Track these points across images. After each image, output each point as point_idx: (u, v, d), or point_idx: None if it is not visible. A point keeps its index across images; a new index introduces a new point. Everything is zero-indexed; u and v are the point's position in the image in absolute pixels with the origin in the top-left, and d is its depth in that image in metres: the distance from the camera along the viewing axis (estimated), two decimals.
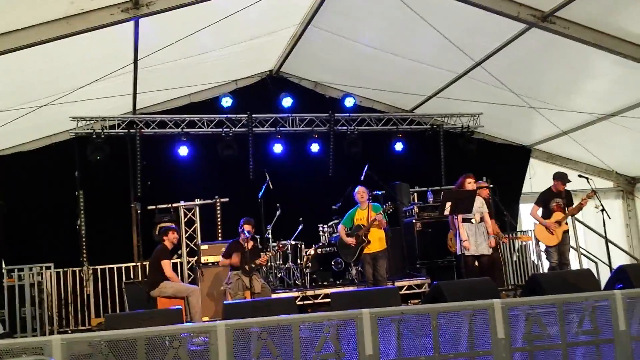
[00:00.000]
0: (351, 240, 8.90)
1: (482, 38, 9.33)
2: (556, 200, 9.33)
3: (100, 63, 8.75)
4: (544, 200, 9.46)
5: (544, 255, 11.66)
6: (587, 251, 11.54)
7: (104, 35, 7.73)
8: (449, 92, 11.30)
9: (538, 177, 13.21)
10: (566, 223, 9.30)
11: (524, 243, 11.73)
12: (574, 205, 9.32)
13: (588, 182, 9.04)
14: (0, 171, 10.56)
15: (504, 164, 12.77)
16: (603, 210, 8.92)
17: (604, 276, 9.06)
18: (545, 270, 11.44)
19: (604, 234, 9.02)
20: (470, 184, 8.60)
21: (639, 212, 13.08)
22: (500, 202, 9.99)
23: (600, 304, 5.80)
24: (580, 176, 9.29)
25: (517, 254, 11.90)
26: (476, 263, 8.46)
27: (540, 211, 9.43)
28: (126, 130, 10.81)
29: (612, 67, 9.29)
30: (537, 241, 11.63)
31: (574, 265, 11.41)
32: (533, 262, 11.74)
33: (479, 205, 8.58)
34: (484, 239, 8.54)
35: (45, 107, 8.83)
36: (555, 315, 5.67)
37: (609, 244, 9.14)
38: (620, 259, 9.85)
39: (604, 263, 10.24)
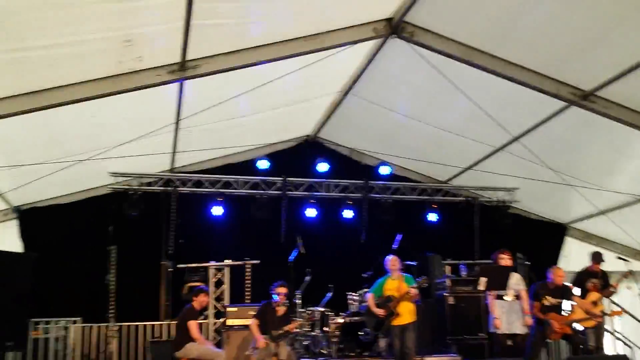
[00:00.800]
0: (380, 312, 8.63)
1: (521, 113, 9.33)
2: (592, 280, 9.19)
3: (142, 121, 8.95)
4: (580, 279, 9.32)
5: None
6: (622, 335, 11.12)
7: (148, 95, 7.93)
8: (485, 165, 11.24)
9: (573, 255, 12.91)
10: (602, 304, 9.09)
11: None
12: (608, 288, 9.18)
13: (626, 265, 8.83)
14: (35, 222, 10.70)
15: (539, 240, 12.53)
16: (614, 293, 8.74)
17: None
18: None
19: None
20: (503, 259, 8.43)
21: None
22: (536, 280, 9.74)
23: None
24: (619, 258, 9.11)
25: None
26: (509, 342, 8.18)
27: (576, 291, 9.22)
28: (163, 188, 10.94)
29: None
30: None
31: (609, 349, 11.01)
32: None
33: (515, 282, 8.37)
34: (517, 317, 8.30)
35: (85, 162, 9.01)
36: None
37: None
38: None
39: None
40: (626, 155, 9.95)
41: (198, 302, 8.81)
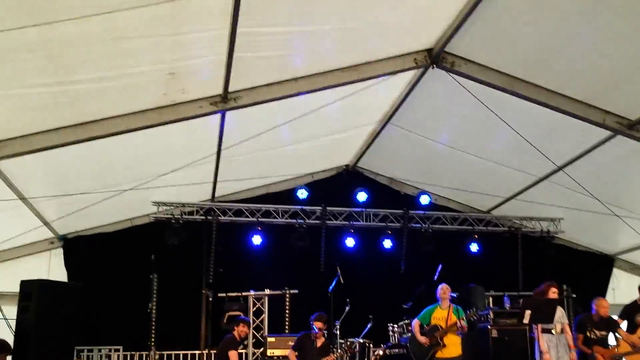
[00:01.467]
0: (425, 340, 8.49)
1: (565, 142, 9.18)
2: None
3: (184, 151, 9.08)
4: (628, 313, 9.01)
5: None
6: None
7: (190, 125, 8.07)
8: (528, 195, 11.05)
9: (621, 288, 12.58)
10: None
11: None
12: None
13: None
14: (80, 250, 10.91)
15: (585, 272, 12.23)
16: None
17: None
18: None
19: None
20: (554, 293, 8.23)
21: None
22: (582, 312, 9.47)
23: None
24: None
25: None
26: None
27: (624, 325, 8.94)
28: (204, 217, 11.05)
29: None
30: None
31: None
32: None
33: (559, 315, 8.16)
34: (564, 351, 8.08)
35: (129, 191, 9.16)
36: None
37: None
38: None
39: None
40: None
41: (238, 331, 8.81)
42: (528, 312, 7.85)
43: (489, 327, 10.38)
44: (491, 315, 10.51)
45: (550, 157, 9.09)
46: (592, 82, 7.84)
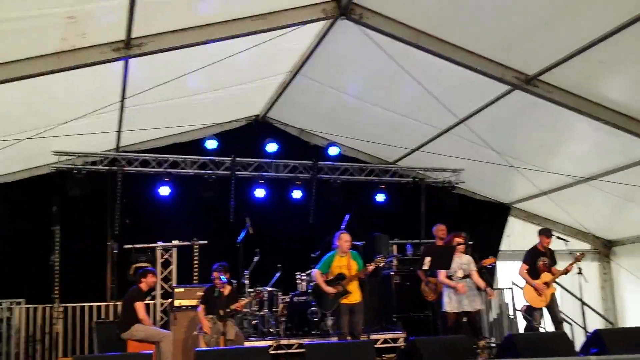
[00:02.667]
0: (331, 290, 8.52)
1: (467, 96, 9.50)
2: (542, 258, 9.32)
3: (86, 99, 8.75)
4: (532, 258, 9.42)
5: (520, 315, 11.71)
6: (562, 313, 11.53)
7: (92, 72, 7.76)
8: (432, 147, 11.42)
9: (516, 235, 13.32)
10: (554, 285, 9.28)
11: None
12: (560, 269, 9.26)
13: (565, 245, 9.13)
14: None
15: (483, 220, 12.86)
16: (580, 273, 8.97)
17: (579, 339, 9.08)
18: (522, 329, 11.46)
19: (579, 297, 9.05)
20: (457, 243, 8.63)
21: (615, 276, 13.16)
22: (479, 259, 10.00)
23: None
24: (559, 238, 9.37)
25: (497, 311, 11.87)
26: (456, 319, 8.42)
27: (528, 270, 9.37)
28: (108, 167, 10.75)
29: (593, 132, 9.49)
30: (513, 298, 11.71)
31: (549, 327, 11.42)
32: (511, 319, 11.70)
33: (465, 262, 8.59)
34: (474, 293, 8.53)
35: (27, 140, 8.77)
36: None
37: (584, 307, 9.16)
38: (595, 322, 9.89)
39: (579, 326, 10.26)
40: (567, 138, 10.27)
41: (146, 283, 8.76)
42: (428, 259, 8.22)
43: (391, 273, 10.85)
44: (394, 262, 10.97)
45: (453, 111, 9.41)
46: (493, 38, 8.10)
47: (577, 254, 9.22)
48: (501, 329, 11.66)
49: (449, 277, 8.48)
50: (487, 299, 11.49)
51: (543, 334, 9.69)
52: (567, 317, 11.27)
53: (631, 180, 10.16)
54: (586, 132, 9.69)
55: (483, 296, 8.98)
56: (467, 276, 8.57)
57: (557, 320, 9.17)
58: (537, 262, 9.32)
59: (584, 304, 9.15)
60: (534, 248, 9.52)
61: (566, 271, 9.21)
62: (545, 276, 9.21)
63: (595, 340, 6.92)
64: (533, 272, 9.33)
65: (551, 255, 9.46)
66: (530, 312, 9.41)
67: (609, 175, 10.49)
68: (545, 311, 9.35)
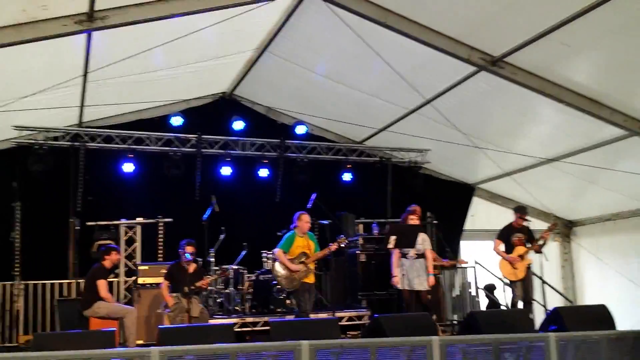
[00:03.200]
0: (298, 268, 8.63)
1: (434, 77, 9.55)
2: (517, 235, 9.40)
3: (48, 73, 8.58)
4: (506, 235, 9.52)
5: (482, 293, 11.93)
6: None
7: (54, 46, 7.59)
8: (398, 127, 11.47)
9: (479, 215, 13.53)
10: (529, 257, 9.34)
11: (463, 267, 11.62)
12: (536, 242, 9.33)
13: (527, 224, 9.25)
14: None
15: (448, 200, 13.00)
16: (543, 246, 9.10)
17: (539, 316, 9.27)
18: (484, 307, 11.68)
19: (540, 275, 9.24)
20: (412, 220, 8.69)
21: (574, 255, 13.47)
22: (443, 238, 10.15)
23: (534, 345, 5.94)
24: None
25: (460, 289, 12.06)
26: (412, 296, 8.52)
27: (502, 246, 9.48)
28: (70, 143, 10.54)
29: (555, 114, 9.64)
30: (476, 276, 11.90)
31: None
32: (473, 297, 11.91)
33: (420, 241, 8.66)
34: (417, 274, 8.58)
35: None
36: (491, 354, 5.78)
37: (545, 285, 9.36)
38: (555, 301, 10.11)
39: (539, 304, 10.47)
40: (531, 120, 10.40)
41: (109, 260, 8.66)
42: (393, 238, 8.29)
43: (357, 252, 10.92)
44: (360, 241, 11.04)
45: (420, 91, 9.46)
46: (460, 19, 8.14)
47: (550, 223, 9.42)
48: (464, 307, 11.86)
49: (404, 256, 8.55)
50: (452, 277, 11.75)
51: (504, 311, 9.90)
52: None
53: (593, 162, 10.36)
54: (550, 114, 9.83)
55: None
56: (421, 255, 8.64)
57: (526, 300, 9.22)
58: (512, 238, 9.40)
59: (544, 282, 9.33)
60: (509, 225, 9.60)
61: (541, 241, 9.26)
62: (519, 249, 9.27)
63: (555, 318, 7.08)
64: (507, 248, 9.41)
65: (527, 231, 9.51)
66: (511, 286, 9.41)
67: (572, 156, 10.68)
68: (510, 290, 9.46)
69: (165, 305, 8.47)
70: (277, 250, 8.84)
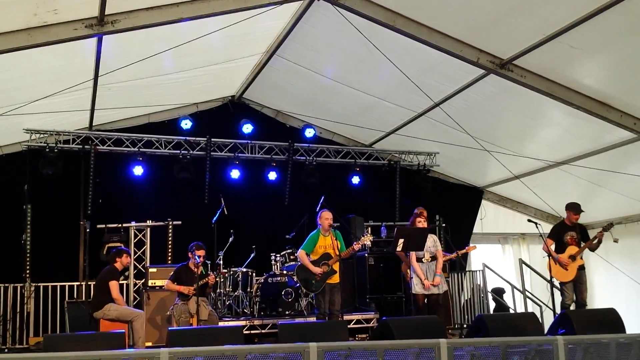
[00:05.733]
0: (319, 270, 8.38)
1: (442, 79, 9.55)
2: (570, 233, 9.10)
3: (59, 76, 8.64)
4: (558, 233, 9.21)
5: (490, 296, 11.89)
6: (532, 294, 11.75)
7: (65, 49, 7.67)
8: (407, 130, 11.48)
9: (489, 218, 13.50)
10: (581, 258, 9.02)
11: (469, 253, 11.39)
12: (591, 241, 8.98)
13: (536, 227, 9.21)
14: None
15: (457, 203, 13.00)
16: (598, 246, 8.89)
17: (548, 320, 9.23)
18: (492, 311, 11.66)
19: (548, 278, 9.19)
20: (420, 222, 8.67)
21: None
22: (452, 242, 10.13)
23: (542, 348, 5.92)
24: (529, 221, 9.42)
25: (470, 294, 12.04)
26: (425, 301, 8.52)
27: (553, 246, 9.16)
28: (81, 146, 10.64)
29: (564, 116, 9.62)
30: (485, 280, 11.86)
31: (519, 308, 11.61)
32: (483, 301, 11.89)
33: (431, 244, 8.66)
34: (433, 277, 8.61)
35: None
36: (499, 357, 5.76)
37: (554, 289, 9.30)
38: None
39: (548, 307, 10.43)
40: (540, 123, 10.38)
41: (120, 262, 8.73)
42: (401, 241, 8.26)
43: (366, 255, 10.94)
44: (369, 244, 11.02)
45: (428, 94, 9.45)
46: (469, 21, 8.14)
47: (606, 224, 8.97)
48: (473, 310, 11.85)
49: (419, 260, 8.54)
50: (461, 281, 11.73)
51: (513, 314, 9.87)
52: (537, 298, 11.49)
53: (602, 165, 10.33)
54: (559, 117, 9.81)
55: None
56: (434, 257, 8.65)
57: (579, 302, 8.91)
58: (564, 236, 9.09)
59: (553, 285, 9.28)
60: (561, 222, 9.35)
61: (596, 243, 8.89)
62: (571, 249, 8.97)
63: (563, 321, 7.04)
64: (559, 247, 9.11)
65: (582, 230, 9.20)
66: (560, 288, 9.10)
67: (580, 160, 10.67)
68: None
69: (173, 307, 8.45)
70: (300, 252, 8.61)
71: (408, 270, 8.80)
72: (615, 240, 8.99)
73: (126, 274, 10.47)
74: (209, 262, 9.63)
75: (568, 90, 8.92)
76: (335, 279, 8.47)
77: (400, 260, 9.25)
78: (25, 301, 10.02)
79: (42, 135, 10.34)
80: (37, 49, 7.33)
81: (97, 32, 7.36)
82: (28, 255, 10.11)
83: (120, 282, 10.24)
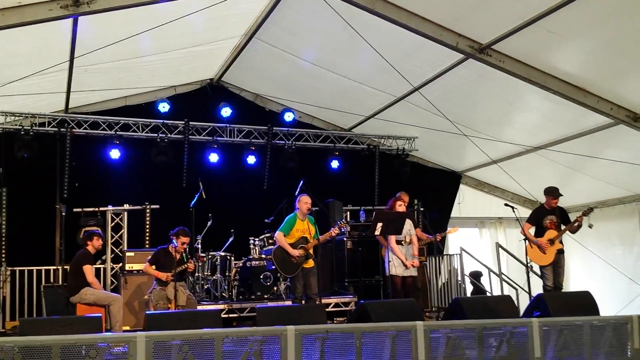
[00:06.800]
0: (297, 252, 8.37)
1: (421, 64, 9.55)
2: (549, 217, 9.08)
3: (34, 58, 8.51)
4: (537, 217, 9.22)
5: (468, 280, 12.01)
6: (508, 277, 11.89)
7: (40, 31, 7.53)
8: (386, 114, 11.49)
9: (466, 202, 13.62)
10: (560, 242, 9.03)
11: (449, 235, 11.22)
12: (572, 224, 8.93)
13: (513, 211, 9.30)
14: None
15: (435, 188, 13.09)
16: (577, 229, 8.91)
17: (524, 303, 9.36)
18: (469, 294, 11.78)
19: (525, 262, 9.29)
20: (400, 206, 8.72)
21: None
22: (430, 226, 10.20)
23: (517, 331, 6.00)
24: (506, 205, 9.52)
25: (447, 277, 12.15)
26: (403, 284, 8.59)
27: (532, 230, 9.18)
28: (57, 129, 10.49)
29: (542, 101, 9.69)
30: (462, 263, 11.97)
31: (496, 291, 11.75)
32: (460, 284, 12.00)
33: (408, 227, 8.72)
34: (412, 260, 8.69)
35: None
36: (475, 339, 5.83)
37: (529, 272, 9.41)
38: (539, 287, 10.19)
39: (524, 290, 10.56)
40: (518, 108, 10.45)
41: (92, 246, 8.62)
42: (379, 225, 8.30)
43: (344, 239, 10.96)
44: (347, 228, 11.07)
45: (408, 78, 9.45)
46: (448, 5, 8.14)
47: (586, 208, 9.00)
48: (450, 294, 11.96)
49: (399, 242, 8.60)
50: (438, 264, 11.83)
51: (489, 297, 9.99)
52: (513, 281, 11.63)
53: (579, 150, 10.45)
54: (536, 102, 9.88)
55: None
56: (410, 241, 8.74)
57: (556, 285, 8.94)
58: (544, 221, 9.10)
59: (529, 269, 9.38)
60: (540, 207, 9.39)
61: (576, 225, 8.87)
62: (550, 233, 8.97)
63: (538, 304, 7.14)
64: (539, 231, 9.12)
65: (562, 213, 9.18)
66: (541, 272, 9.17)
67: (558, 144, 10.78)
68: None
69: (151, 291, 8.42)
70: (278, 234, 8.57)
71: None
72: (590, 226, 9.07)
73: (103, 257, 10.40)
74: (188, 246, 9.57)
75: (546, 76, 8.98)
76: (310, 263, 8.50)
77: (380, 244, 9.27)
78: (1, 285, 9.89)
79: (17, 118, 10.20)
80: (12, 30, 7.20)
81: (72, 12, 7.22)
82: (3, 239, 9.99)
83: (97, 266, 10.22)
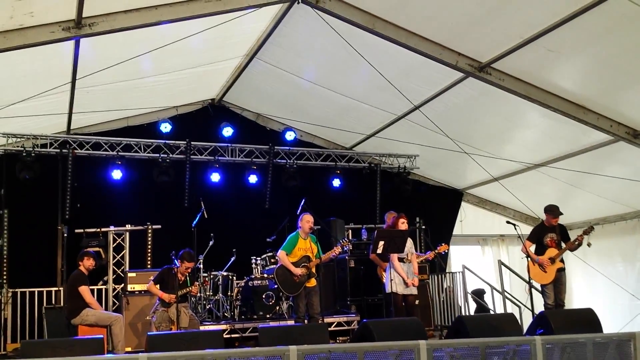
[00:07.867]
0: (300, 271, 8.37)
1: (422, 82, 9.60)
2: (550, 235, 9.06)
3: (36, 80, 8.57)
4: (537, 235, 9.19)
5: (471, 297, 11.96)
6: (511, 295, 11.84)
7: (41, 52, 7.60)
8: (387, 133, 11.53)
9: (468, 220, 13.60)
10: (561, 261, 9.00)
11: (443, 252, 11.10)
12: (570, 241, 8.94)
13: (515, 229, 9.30)
14: None
15: (437, 205, 13.08)
16: (577, 247, 8.91)
17: (527, 320, 9.31)
18: (472, 312, 11.72)
19: (527, 279, 9.27)
20: (403, 224, 8.72)
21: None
22: (432, 243, 10.18)
23: (521, 349, 5.97)
24: (508, 222, 9.53)
25: (444, 294, 12.10)
26: (403, 302, 8.56)
27: (533, 248, 9.16)
28: (58, 150, 10.53)
29: (542, 119, 9.73)
30: (464, 281, 11.93)
31: (499, 309, 11.69)
32: (462, 302, 11.95)
33: (409, 245, 8.72)
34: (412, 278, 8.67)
35: None
36: (478, 358, 5.80)
37: (533, 290, 9.38)
38: (542, 304, 10.16)
39: (526, 308, 10.53)
40: (518, 125, 10.49)
41: (83, 266, 8.59)
42: (381, 243, 8.29)
43: (347, 257, 10.94)
44: (350, 246, 11.03)
45: (408, 97, 9.49)
46: (447, 25, 8.21)
47: (587, 227, 8.96)
48: (453, 312, 11.90)
49: (401, 260, 8.59)
50: (441, 282, 11.79)
51: (492, 315, 9.94)
52: (516, 299, 11.58)
53: (579, 167, 10.47)
54: (536, 120, 9.92)
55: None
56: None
57: (557, 303, 8.90)
58: (544, 238, 9.06)
59: (532, 286, 9.36)
60: (541, 224, 9.35)
61: (575, 244, 8.84)
62: (551, 252, 8.95)
63: (542, 322, 7.11)
64: (539, 248, 9.09)
65: (562, 231, 9.15)
66: (542, 290, 9.13)
67: (558, 162, 10.79)
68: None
69: (153, 311, 8.39)
70: (280, 252, 8.56)
71: (383, 273, 8.85)
72: (589, 245, 9.02)
73: (105, 278, 10.39)
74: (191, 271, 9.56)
75: (545, 93, 9.03)
76: (313, 282, 8.49)
77: (375, 265, 9.26)
78: (3, 307, 9.87)
79: (18, 139, 10.23)
80: (14, 52, 7.25)
81: (74, 34, 7.30)
82: (5, 260, 9.99)
83: (99, 287, 10.21)
